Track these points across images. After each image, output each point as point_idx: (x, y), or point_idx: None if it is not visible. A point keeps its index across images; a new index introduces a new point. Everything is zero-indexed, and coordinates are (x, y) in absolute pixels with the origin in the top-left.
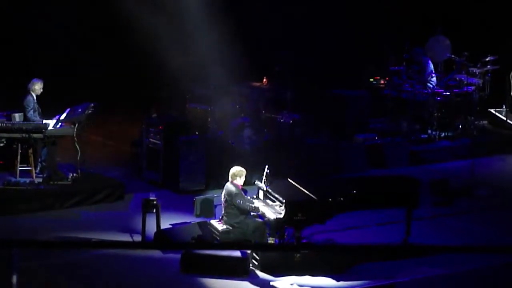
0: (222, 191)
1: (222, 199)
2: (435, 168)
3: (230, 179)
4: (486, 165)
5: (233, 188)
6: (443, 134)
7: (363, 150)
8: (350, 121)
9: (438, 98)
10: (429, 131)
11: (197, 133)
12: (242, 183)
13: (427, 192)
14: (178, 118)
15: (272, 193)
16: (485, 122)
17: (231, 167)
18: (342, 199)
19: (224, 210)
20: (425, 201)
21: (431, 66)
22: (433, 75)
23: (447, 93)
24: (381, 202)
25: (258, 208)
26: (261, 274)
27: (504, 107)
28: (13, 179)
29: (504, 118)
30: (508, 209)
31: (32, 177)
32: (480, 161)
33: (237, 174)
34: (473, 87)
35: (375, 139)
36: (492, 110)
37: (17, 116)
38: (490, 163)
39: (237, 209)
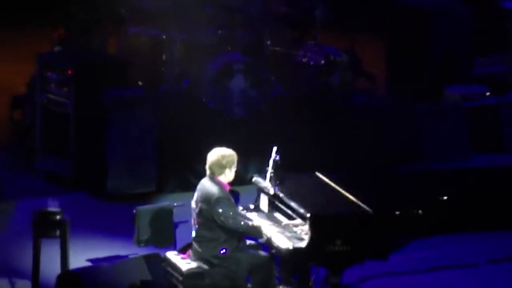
0: (193, 196)
1: (193, 211)
2: None
3: (208, 172)
4: None
5: (214, 190)
6: None
7: (461, 117)
8: (435, 60)
9: None
10: None
11: (140, 83)
12: (231, 180)
13: None
14: (104, 54)
15: (285, 199)
16: None
17: (210, 151)
18: (421, 212)
19: (196, 232)
20: None
21: None
22: None
23: None
24: (497, 219)
25: (259, 228)
26: None
27: None
28: None
29: None
30: None
31: None
32: None
33: (224, 163)
34: None
35: (487, 95)
36: None
37: None
38: None
39: (220, 230)
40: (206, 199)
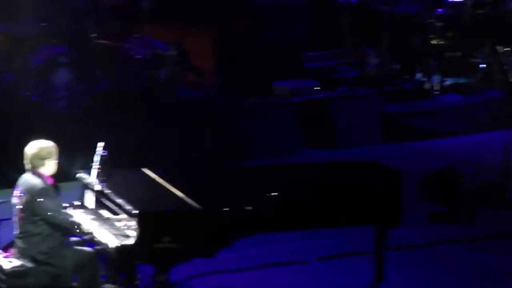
0: (14, 191)
1: (15, 207)
2: (435, 147)
3: (28, 166)
4: None
5: (35, 182)
6: (449, 81)
7: (291, 112)
8: (265, 54)
9: (441, 10)
10: (419, 75)
11: None
12: (52, 172)
13: (417, 195)
14: None
15: (112, 196)
16: None
17: (30, 143)
18: (251, 208)
19: (20, 228)
20: (413, 212)
21: None
22: None
23: (459, 0)
24: (327, 215)
25: (80, 225)
26: None
27: None
28: None
29: None
30: None
31: None
32: None
33: (43, 155)
34: None
35: (315, 89)
36: None
37: None
38: None
39: (43, 224)
40: (28, 192)
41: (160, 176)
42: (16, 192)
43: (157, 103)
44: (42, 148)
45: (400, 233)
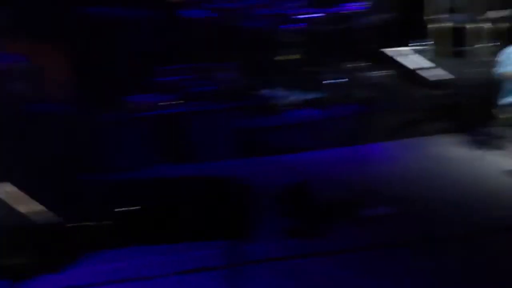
0: None
1: None
2: (288, 162)
3: None
4: (385, 157)
5: None
6: (302, 96)
7: (145, 126)
8: (122, 68)
9: (295, 25)
10: (273, 91)
11: None
12: None
13: (270, 210)
14: None
15: None
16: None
17: None
18: (97, 223)
19: None
20: (267, 227)
21: None
22: None
23: (314, 15)
24: (173, 230)
25: None
26: None
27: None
28: None
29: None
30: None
31: None
32: (375, 148)
33: None
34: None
35: (170, 104)
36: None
37: None
38: (393, 151)
39: None
40: None
41: (6, 192)
42: None
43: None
44: None
45: (254, 247)
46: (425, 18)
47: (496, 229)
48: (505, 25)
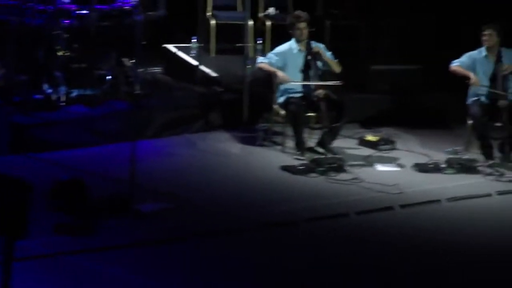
0: None
1: None
2: (63, 159)
3: None
4: (160, 153)
5: None
6: (75, 93)
7: None
8: None
9: (68, 21)
10: (46, 87)
11: None
12: None
13: (45, 206)
14: None
15: None
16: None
17: None
18: None
19: None
20: (40, 223)
21: None
22: None
23: (85, 12)
24: None
25: None
26: None
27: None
28: None
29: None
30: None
31: None
32: (149, 144)
33: None
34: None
35: None
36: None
37: None
38: (169, 147)
39: None
40: None
41: None
42: None
43: None
44: None
45: (26, 243)
46: (201, 14)
47: (266, 224)
48: (270, 23)
